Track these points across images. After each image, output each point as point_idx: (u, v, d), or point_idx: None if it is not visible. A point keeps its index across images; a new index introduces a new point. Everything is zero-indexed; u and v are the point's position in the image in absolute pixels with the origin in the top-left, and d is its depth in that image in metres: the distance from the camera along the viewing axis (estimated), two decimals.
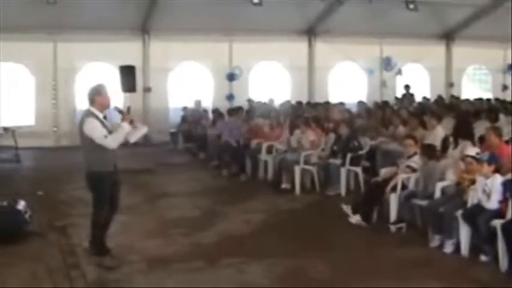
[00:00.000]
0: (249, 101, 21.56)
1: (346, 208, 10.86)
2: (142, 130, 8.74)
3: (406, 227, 10.08)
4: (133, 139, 8.63)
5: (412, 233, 9.91)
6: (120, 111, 8.56)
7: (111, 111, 8.58)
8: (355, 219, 10.55)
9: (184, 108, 22.07)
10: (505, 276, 7.93)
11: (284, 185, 13.64)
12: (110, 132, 8.26)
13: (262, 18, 20.68)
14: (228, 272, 8.21)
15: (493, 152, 9.38)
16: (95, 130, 8.15)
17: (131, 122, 8.38)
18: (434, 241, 9.22)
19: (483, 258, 8.43)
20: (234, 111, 18.35)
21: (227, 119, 18.08)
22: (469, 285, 7.73)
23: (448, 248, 8.96)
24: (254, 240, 9.85)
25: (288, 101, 21.63)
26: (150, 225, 10.70)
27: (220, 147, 16.79)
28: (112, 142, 8.19)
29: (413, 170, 10.51)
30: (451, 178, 9.66)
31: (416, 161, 10.60)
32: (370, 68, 24.99)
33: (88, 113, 8.31)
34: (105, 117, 8.37)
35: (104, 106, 8.38)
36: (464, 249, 8.75)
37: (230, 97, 23.14)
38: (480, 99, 21.40)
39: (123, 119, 8.36)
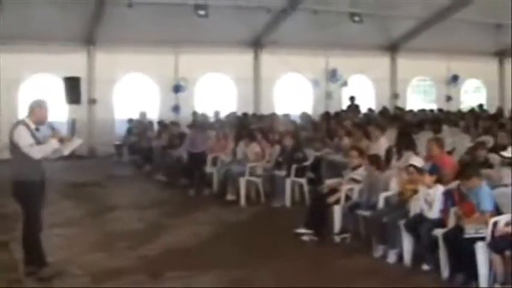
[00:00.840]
0: (194, 113, 21.39)
1: (300, 230, 10.52)
2: (76, 142, 8.73)
3: (350, 238, 10.16)
4: (66, 151, 8.65)
5: (356, 243, 9.98)
6: (53, 128, 8.50)
7: (46, 128, 8.53)
8: (307, 236, 10.39)
9: (130, 120, 21.94)
10: (446, 283, 8.04)
11: (229, 197, 13.67)
12: (39, 144, 8.21)
13: (208, 30, 20.72)
14: (174, 285, 8.14)
15: (435, 162, 9.54)
16: (22, 138, 8.12)
17: (60, 140, 8.35)
18: (378, 251, 9.31)
19: (425, 267, 8.52)
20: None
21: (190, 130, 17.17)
22: None
23: (391, 257, 9.05)
24: (200, 252, 9.80)
25: (234, 113, 21.68)
26: (94, 238, 10.56)
27: (166, 159, 16.69)
28: (37, 152, 8.15)
29: (358, 182, 10.59)
30: (394, 188, 9.78)
31: (360, 173, 10.66)
32: (315, 80, 25.15)
33: (20, 122, 8.33)
34: (37, 129, 8.35)
35: (40, 120, 8.38)
36: (407, 258, 8.84)
37: (176, 109, 23.11)
38: (423, 110, 21.74)
39: (52, 136, 8.32)
